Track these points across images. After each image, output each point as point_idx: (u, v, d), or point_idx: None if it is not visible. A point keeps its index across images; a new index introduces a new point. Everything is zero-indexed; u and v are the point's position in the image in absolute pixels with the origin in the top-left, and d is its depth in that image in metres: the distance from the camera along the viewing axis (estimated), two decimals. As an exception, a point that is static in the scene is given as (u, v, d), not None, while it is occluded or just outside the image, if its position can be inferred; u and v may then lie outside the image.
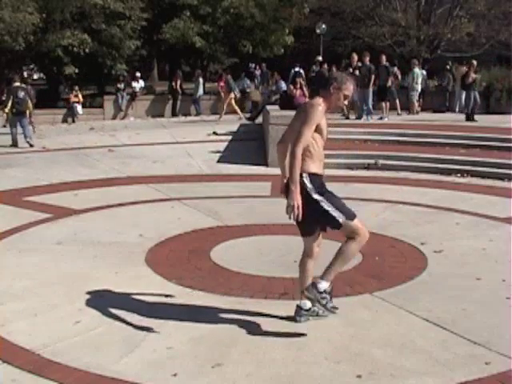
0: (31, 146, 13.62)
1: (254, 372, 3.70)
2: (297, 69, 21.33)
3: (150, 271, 5.56)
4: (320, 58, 20.85)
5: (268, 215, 7.37)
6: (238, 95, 20.49)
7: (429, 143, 12.59)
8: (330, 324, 4.38)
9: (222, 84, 23.28)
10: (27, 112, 13.97)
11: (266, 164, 11.45)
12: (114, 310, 4.58)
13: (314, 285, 4.09)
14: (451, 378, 3.63)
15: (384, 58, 16.93)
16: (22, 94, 13.87)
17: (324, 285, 4.07)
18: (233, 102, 19.65)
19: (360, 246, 4.10)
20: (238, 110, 19.53)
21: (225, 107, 19.62)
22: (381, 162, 11.22)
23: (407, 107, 18.37)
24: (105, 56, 22.75)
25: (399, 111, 17.44)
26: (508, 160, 10.76)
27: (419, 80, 18.49)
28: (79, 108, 20.95)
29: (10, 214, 7.62)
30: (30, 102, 14.15)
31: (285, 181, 4.19)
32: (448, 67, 20.92)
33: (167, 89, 24.53)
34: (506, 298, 4.84)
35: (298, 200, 3.93)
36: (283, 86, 20.06)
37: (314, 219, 4.13)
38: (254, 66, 25.96)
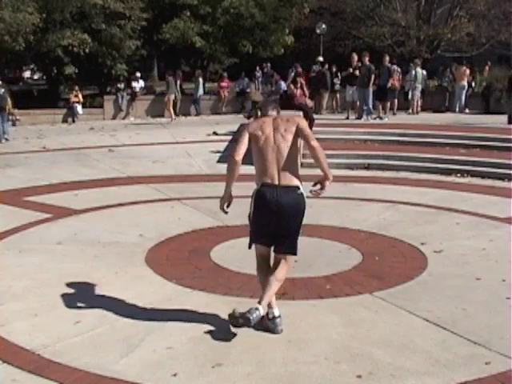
0: (7, 140, 14.84)
1: (253, 372, 3.70)
2: (298, 68, 21.32)
3: (150, 271, 5.56)
4: (321, 59, 20.82)
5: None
6: (179, 97, 21.03)
7: (429, 143, 12.60)
8: (330, 324, 4.39)
9: (222, 84, 23.30)
10: (7, 108, 15.47)
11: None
12: (113, 310, 4.58)
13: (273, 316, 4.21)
14: (451, 377, 3.63)
15: (387, 58, 16.93)
16: (1, 90, 15.25)
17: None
18: (171, 103, 19.74)
19: None
20: (172, 113, 19.57)
21: (171, 109, 19.78)
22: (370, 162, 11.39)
23: (406, 107, 18.37)
24: (105, 56, 22.70)
25: (394, 111, 17.47)
26: (508, 160, 10.76)
27: (420, 80, 18.48)
28: (79, 108, 20.91)
29: (10, 214, 7.62)
30: (9, 99, 15.70)
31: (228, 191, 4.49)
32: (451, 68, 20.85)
33: (167, 89, 24.48)
34: (506, 298, 4.84)
35: None
36: (283, 86, 20.05)
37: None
38: (264, 66, 25.94)
